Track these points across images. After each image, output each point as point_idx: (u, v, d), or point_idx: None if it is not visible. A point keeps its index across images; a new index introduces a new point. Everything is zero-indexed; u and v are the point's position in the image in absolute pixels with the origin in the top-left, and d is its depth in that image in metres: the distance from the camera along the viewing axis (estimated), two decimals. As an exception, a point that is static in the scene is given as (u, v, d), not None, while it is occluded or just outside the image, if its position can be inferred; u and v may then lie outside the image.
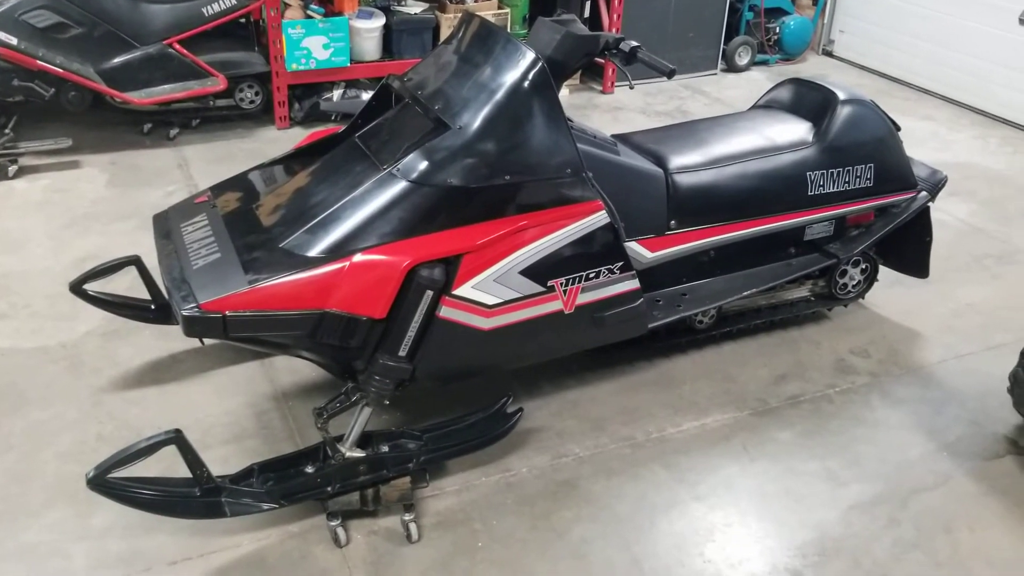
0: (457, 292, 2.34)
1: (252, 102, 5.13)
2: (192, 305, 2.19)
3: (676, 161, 2.89)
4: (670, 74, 2.57)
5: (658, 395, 3.03)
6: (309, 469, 2.42)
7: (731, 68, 6.35)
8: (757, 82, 6.28)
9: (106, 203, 4.28)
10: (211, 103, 5.03)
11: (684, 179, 2.86)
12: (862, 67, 6.70)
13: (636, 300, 2.65)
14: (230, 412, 2.88)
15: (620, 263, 2.57)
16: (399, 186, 2.34)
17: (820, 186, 3.04)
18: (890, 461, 2.80)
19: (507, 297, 2.42)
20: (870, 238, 3.20)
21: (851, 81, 6.40)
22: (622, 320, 2.65)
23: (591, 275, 2.54)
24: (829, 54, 6.92)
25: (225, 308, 2.19)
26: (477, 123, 2.39)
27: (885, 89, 6.29)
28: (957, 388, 3.15)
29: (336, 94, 5.17)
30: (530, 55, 2.45)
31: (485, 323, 2.41)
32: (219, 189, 2.73)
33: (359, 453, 2.43)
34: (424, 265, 2.28)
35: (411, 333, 2.33)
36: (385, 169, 2.38)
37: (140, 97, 4.68)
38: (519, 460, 2.72)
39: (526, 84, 2.44)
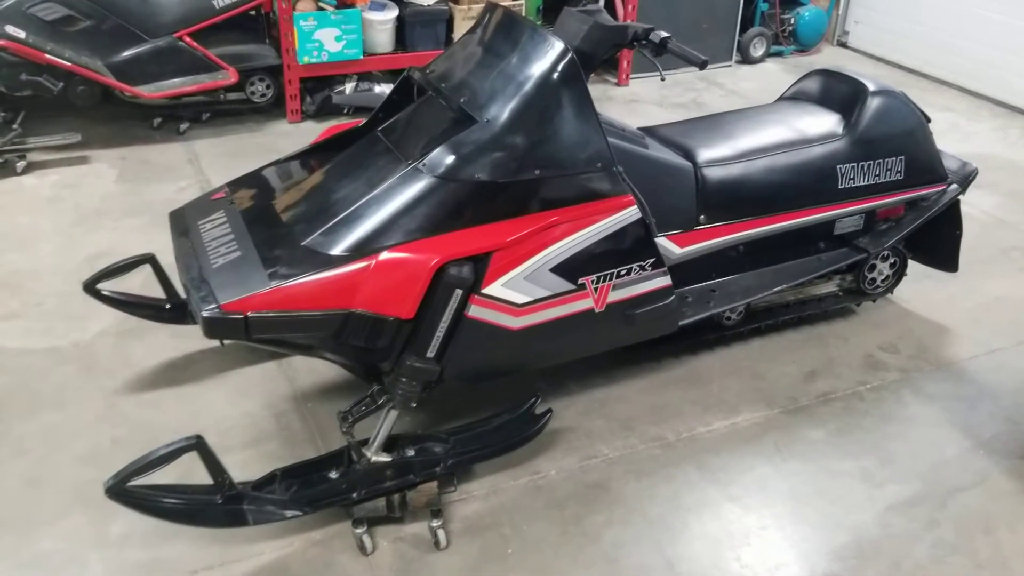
0: (486, 291, 2.27)
1: (263, 96, 5.05)
2: (212, 306, 2.12)
3: (705, 154, 2.82)
4: (702, 65, 2.49)
5: (687, 393, 2.97)
6: (333, 475, 2.36)
7: (746, 60, 6.27)
8: (772, 74, 6.19)
9: (116, 199, 4.21)
10: (222, 97, 4.96)
11: (713, 173, 2.79)
12: (878, 58, 6.62)
13: (668, 298, 2.57)
14: (248, 414, 2.82)
15: (652, 259, 2.50)
16: (425, 181, 2.27)
17: (850, 179, 2.97)
18: (925, 460, 2.73)
19: (537, 295, 2.35)
20: (900, 232, 3.13)
21: (867, 73, 6.31)
22: (653, 318, 2.58)
23: (622, 272, 2.46)
24: (844, 45, 6.84)
25: (247, 309, 2.12)
26: (505, 116, 2.32)
27: (902, 80, 6.20)
28: (990, 384, 3.08)
29: (348, 87, 5.10)
30: (559, 45, 2.38)
31: (515, 322, 2.34)
32: (236, 185, 2.65)
33: (385, 458, 2.37)
34: (453, 263, 2.21)
35: (439, 333, 2.26)
36: (410, 164, 2.31)
37: (150, 91, 4.61)
38: (547, 462, 2.66)
39: (555, 75, 2.36)
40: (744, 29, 6.22)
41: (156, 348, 3.10)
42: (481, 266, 2.26)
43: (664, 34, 2.52)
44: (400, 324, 2.22)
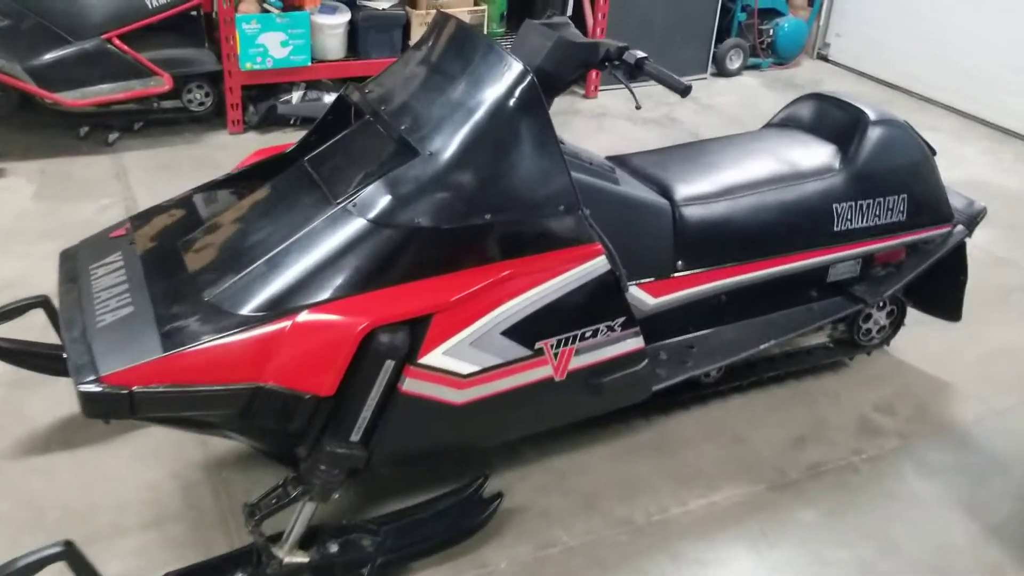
0: (424, 360, 1.89)
1: (202, 104, 4.63)
2: (91, 377, 1.73)
3: (684, 190, 2.46)
4: (684, 92, 2.13)
5: (659, 462, 2.60)
6: None
7: (721, 72, 5.94)
8: (749, 88, 5.86)
9: (31, 218, 3.78)
10: (155, 105, 4.54)
11: (693, 212, 2.43)
12: (859, 72, 6.31)
13: (640, 362, 2.21)
14: (152, 486, 2.41)
15: (622, 318, 2.13)
16: (355, 226, 1.89)
17: (847, 220, 2.62)
18: (931, 546, 2.38)
19: (486, 364, 1.97)
20: (901, 279, 2.79)
21: (848, 88, 6.01)
22: (623, 386, 2.21)
23: (587, 334, 2.10)
24: (824, 58, 6.53)
25: (133, 381, 1.73)
26: (452, 149, 1.95)
27: (885, 97, 5.90)
28: (999, 453, 2.75)
29: (295, 96, 4.69)
30: (517, 66, 2.01)
31: (459, 396, 1.96)
32: (140, 220, 2.25)
33: (301, 558, 1.98)
34: (384, 328, 1.83)
35: (366, 413, 1.88)
36: (338, 204, 1.93)
37: (74, 98, 4.18)
38: (496, 551, 2.27)
39: (512, 101, 1.99)
40: (720, 40, 5.88)
41: (53, 402, 2.68)
42: (419, 330, 1.88)
43: (640, 54, 2.15)
44: (319, 402, 1.83)
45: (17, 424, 2.60)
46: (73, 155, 4.34)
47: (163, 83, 4.34)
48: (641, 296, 2.36)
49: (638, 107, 2.23)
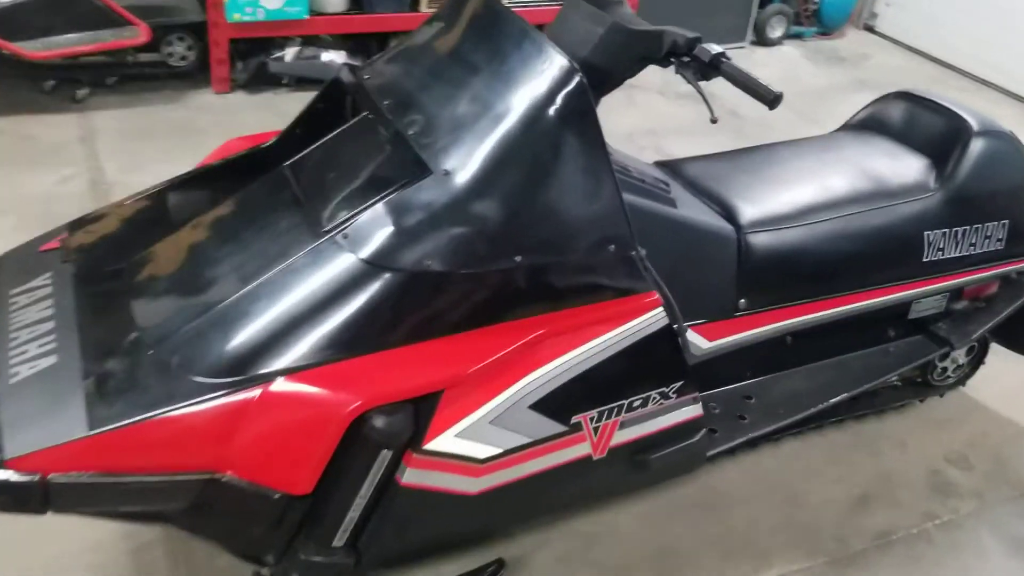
0: (432, 446, 1.47)
1: (183, 59, 4.14)
2: (-7, 459, 1.31)
3: (750, 212, 2.02)
4: (773, 103, 1.67)
5: (701, 526, 2.20)
6: None
7: (761, 41, 5.42)
8: (792, 60, 5.35)
9: (-17, 188, 3.33)
10: (131, 59, 4.03)
11: (762, 241, 1.99)
12: (909, 47, 5.78)
13: (696, 433, 1.79)
14: (98, 546, 1.99)
15: (678, 383, 1.71)
16: (345, 266, 1.46)
17: (939, 249, 2.18)
18: (1021, 648, 2.00)
19: (509, 446, 1.55)
20: (993, 317, 2.36)
21: (896, 64, 5.52)
22: (674, 459, 1.79)
23: (635, 403, 1.67)
24: (871, 30, 5.99)
25: (49, 467, 1.32)
26: (473, 168, 1.51)
27: (936, 76, 5.40)
28: (1093, 520, 2.35)
29: (289, 53, 4.18)
30: (561, 62, 1.56)
31: (475, 485, 1.55)
32: (79, 230, 1.81)
33: (270, 674, 1.58)
34: (381, 409, 1.40)
35: (354, 515, 1.46)
36: (325, 235, 1.50)
37: (35, 49, 3.68)
38: (511, 644, 1.89)
39: (553, 109, 1.55)
40: (763, 5, 5.36)
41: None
42: (425, 408, 1.46)
43: (716, 49, 1.70)
44: (291, 501, 1.41)
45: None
46: (36, 112, 3.87)
47: (139, 34, 3.84)
48: (694, 340, 1.94)
49: (714, 120, 1.77)
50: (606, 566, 2.08)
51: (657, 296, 1.63)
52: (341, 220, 1.51)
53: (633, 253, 1.61)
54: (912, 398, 2.58)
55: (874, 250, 2.11)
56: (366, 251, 1.46)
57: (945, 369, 2.54)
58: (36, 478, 1.31)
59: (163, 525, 1.64)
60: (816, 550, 2.17)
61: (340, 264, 1.47)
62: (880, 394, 2.51)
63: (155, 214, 1.82)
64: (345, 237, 1.48)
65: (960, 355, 2.52)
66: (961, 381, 2.61)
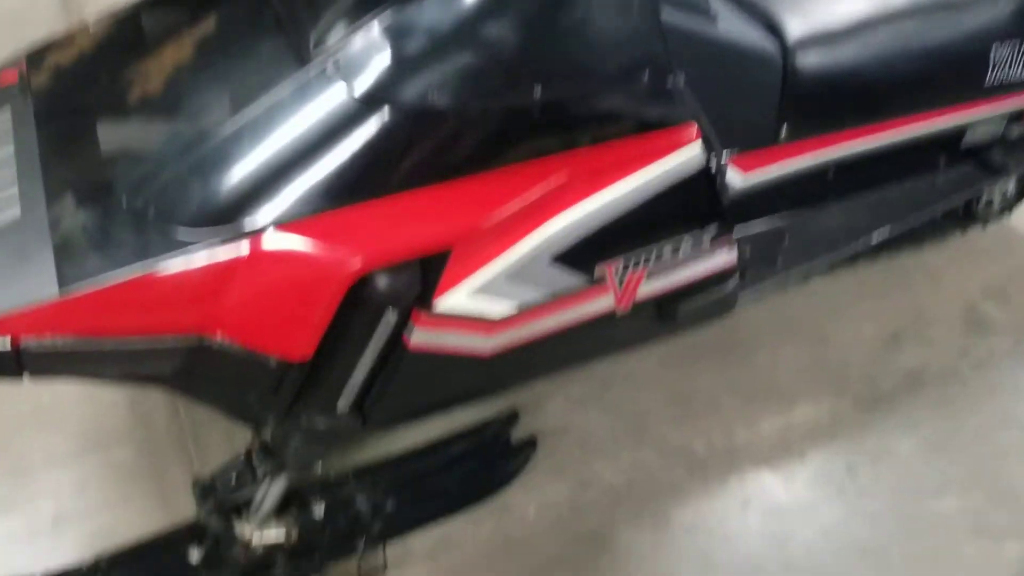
0: (442, 304, 1.32)
1: None
2: (-46, 322, 1.17)
3: (798, 26, 1.76)
4: None
5: (723, 369, 2.09)
6: (194, 556, 1.50)
7: None
8: None
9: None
10: None
11: (811, 59, 1.75)
12: None
13: (728, 281, 1.63)
14: (93, 396, 1.90)
15: (713, 226, 1.54)
16: (336, 100, 1.26)
17: (1006, 66, 1.94)
18: (1055, 491, 1.94)
19: (527, 300, 1.40)
20: (1052, 141, 2.15)
21: None
22: (703, 309, 1.65)
23: (665, 250, 1.50)
24: None
25: (20, 331, 1.18)
26: (485, -22, 1.28)
27: None
28: None
29: None
30: None
31: (488, 343, 1.41)
32: (40, 58, 1.59)
33: (274, 535, 1.51)
34: (384, 269, 1.24)
35: (358, 378, 1.33)
36: (313, 63, 1.28)
37: None
38: (523, 493, 1.82)
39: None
40: None
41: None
42: (434, 263, 1.29)
43: None
44: (289, 366, 1.28)
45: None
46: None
47: None
48: (729, 173, 1.74)
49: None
50: (623, 410, 1.99)
51: (695, 128, 1.43)
52: (330, 45, 1.29)
53: (670, 78, 1.39)
54: (953, 230, 2.41)
55: (936, 67, 1.87)
56: (360, 83, 1.26)
57: (991, 200, 2.35)
58: (7, 342, 1.17)
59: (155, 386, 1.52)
60: (843, 390, 2.07)
61: (332, 98, 1.27)
62: (920, 227, 2.33)
63: (124, 40, 1.59)
64: (336, 66, 1.27)
65: (1009, 184, 2.33)
66: (1007, 210, 2.43)
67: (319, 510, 1.57)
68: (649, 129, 1.40)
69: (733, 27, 1.68)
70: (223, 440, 1.82)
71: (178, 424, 1.86)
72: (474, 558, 1.71)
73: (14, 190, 1.33)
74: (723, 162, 1.55)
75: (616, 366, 2.04)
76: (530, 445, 1.78)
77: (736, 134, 1.70)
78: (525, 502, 1.80)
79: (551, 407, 1.96)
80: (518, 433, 1.85)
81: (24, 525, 1.71)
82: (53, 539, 1.69)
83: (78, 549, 1.65)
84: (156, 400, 1.89)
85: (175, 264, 1.20)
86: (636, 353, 2.04)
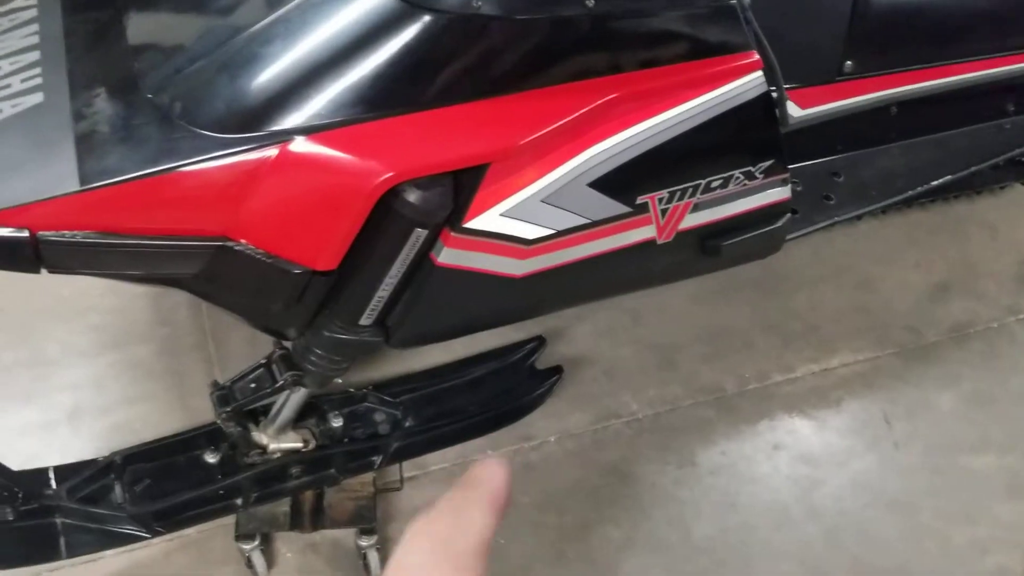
0: (473, 224, 1.26)
1: None
2: (-28, 210, 1.13)
3: (872, -48, 1.65)
4: None
5: (761, 309, 2.03)
6: (210, 458, 1.49)
7: None
8: None
9: None
10: None
11: (884, -10, 1.64)
12: None
13: (779, 219, 1.55)
14: (116, 288, 1.88)
15: (769, 161, 1.45)
16: (375, 4, 1.18)
17: (1092, 11, 1.81)
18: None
19: (562, 227, 1.33)
20: None
21: None
22: (749, 245, 1.57)
23: (715, 183, 1.42)
24: None
25: (39, 224, 1.14)
26: None
27: None
28: None
29: None
30: None
31: (518, 267, 1.34)
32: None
33: (292, 443, 1.49)
34: (416, 182, 1.18)
35: (383, 294, 1.28)
36: (354, -40, 1.20)
37: None
38: (545, 420, 1.78)
39: None
40: None
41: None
42: (467, 181, 1.23)
43: None
44: (313, 276, 1.23)
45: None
46: None
47: None
48: (787, 106, 1.65)
49: None
50: (653, 343, 1.94)
51: (757, 57, 1.34)
52: (374, -60, 1.21)
53: (735, 2, 1.29)
54: (1014, 180, 2.30)
55: (1015, 6, 1.75)
56: (399, -15, 1.17)
57: (1059, 149, 2.23)
58: (25, 234, 1.13)
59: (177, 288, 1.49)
60: (885, 340, 2.00)
61: (369, 2, 1.19)
62: (979, 174, 2.22)
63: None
64: (379, -37, 1.19)
65: (1080, 133, 2.20)
66: (1073, 162, 2.31)
67: (337, 423, 1.54)
68: (708, 55, 1.31)
69: (805, -54, 1.56)
70: (244, 344, 1.80)
71: (200, 325, 1.84)
72: (491, 482, 1.68)
73: (37, 74, 1.28)
74: (784, 94, 1.45)
75: (647, 298, 1.98)
76: (556, 372, 1.73)
77: (797, 66, 1.60)
78: (546, 429, 1.77)
79: (578, 336, 1.91)
80: (544, 360, 1.80)
81: (41, 417, 1.71)
82: (69, 432, 1.69)
83: (94, 443, 1.65)
84: (179, 297, 1.87)
85: (201, 165, 1.15)
86: (668, 286, 1.98)
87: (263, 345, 1.64)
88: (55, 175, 1.15)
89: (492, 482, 0.47)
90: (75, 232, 1.16)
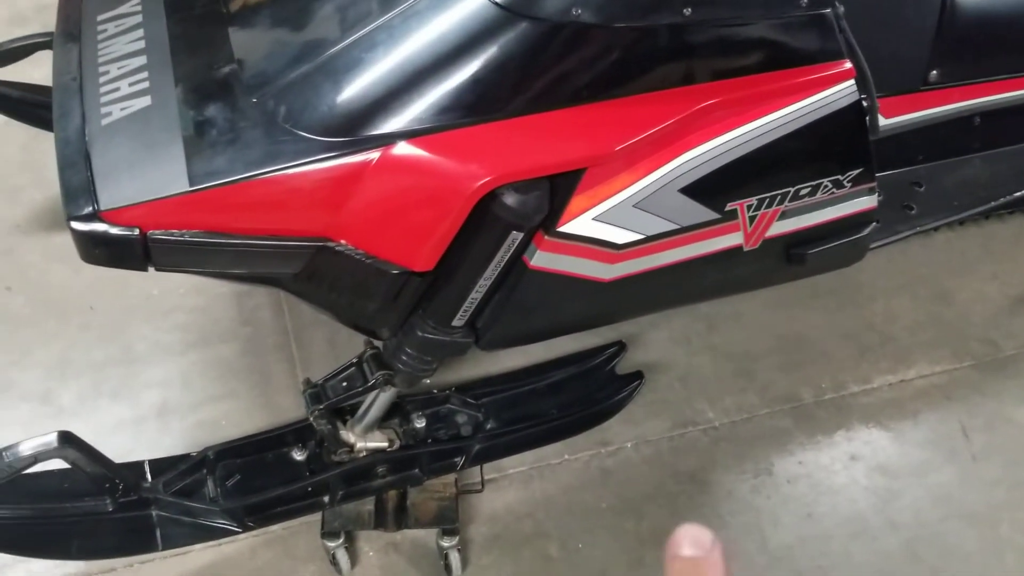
0: (567, 228, 1.28)
1: None
2: (87, 210, 1.17)
3: (959, -39, 1.64)
4: None
5: (836, 318, 2.02)
6: (298, 456, 1.52)
7: None
8: None
9: None
10: None
11: (971, 0, 1.63)
12: None
13: (864, 228, 1.55)
14: (201, 288, 1.93)
15: (857, 170, 1.45)
16: (476, 11, 1.21)
17: None
18: None
19: (652, 232, 1.34)
20: None
21: None
22: (833, 253, 1.57)
23: (803, 191, 1.43)
24: None
25: (148, 222, 1.18)
26: None
27: None
28: None
29: None
30: None
31: (608, 272, 1.36)
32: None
33: (378, 442, 1.52)
34: (514, 185, 1.20)
35: (476, 295, 1.31)
36: (457, -30, 1.23)
37: None
38: (622, 425, 1.79)
39: None
40: None
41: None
42: (563, 185, 1.25)
43: None
44: (410, 276, 1.26)
45: (38, 188, 2.10)
46: None
47: None
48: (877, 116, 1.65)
49: None
50: (728, 351, 1.94)
51: (850, 65, 1.34)
52: (475, -49, 1.23)
53: (829, 11, 1.30)
54: (1095, 190, 2.26)
55: (1104, 16, 1.73)
56: (501, -7, 1.20)
57: None
58: (135, 233, 1.17)
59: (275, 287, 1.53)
60: (962, 352, 1.98)
61: (470, 8, 1.21)
62: (1059, 186, 2.19)
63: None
64: (478, -27, 1.21)
65: None
66: None
67: (420, 424, 1.57)
68: (801, 63, 1.32)
69: (894, -43, 1.57)
70: (326, 344, 1.84)
71: (282, 325, 1.88)
72: (568, 487, 1.70)
73: (145, 78, 1.32)
74: (876, 103, 1.45)
75: (721, 306, 1.99)
76: (637, 377, 1.74)
77: (882, 75, 1.60)
78: (623, 435, 1.78)
79: (653, 342, 1.92)
80: (620, 365, 1.81)
81: (131, 413, 1.75)
82: (158, 428, 1.73)
83: (182, 439, 1.70)
84: (262, 298, 1.91)
85: (305, 167, 1.18)
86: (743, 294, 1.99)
87: (344, 345, 1.68)
88: (165, 176, 1.19)
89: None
90: (183, 231, 1.20)
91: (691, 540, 0.42)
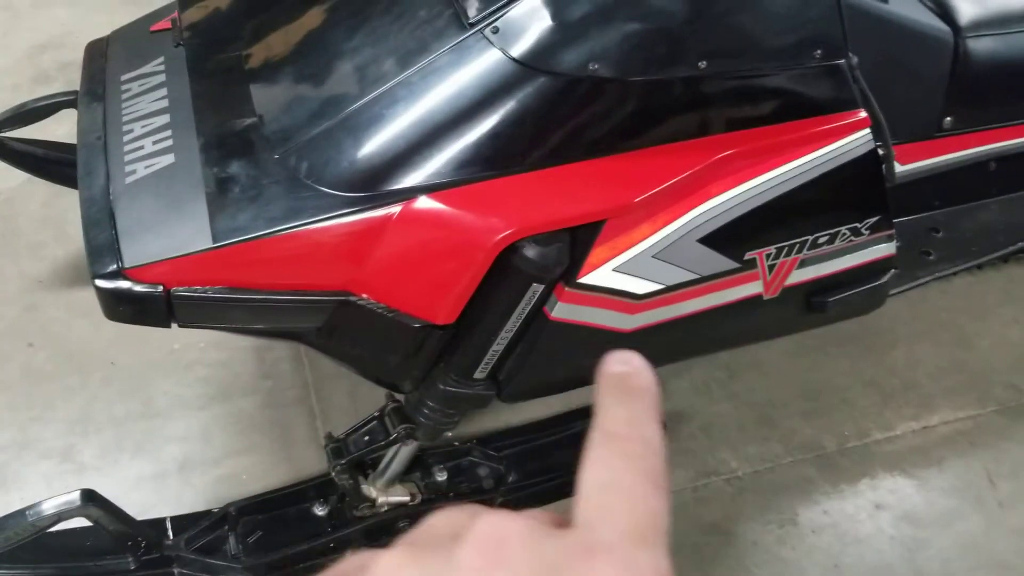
0: (587, 280, 1.28)
1: None
2: (112, 268, 1.19)
3: (970, 11, 1.66)
4: None
5: (858, 364, 2.00)
6: (319, 511, 1.52)
7: None
8: None
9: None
10: None
11: (984, 47, 1.64)
12: None
13: (883, 275, 1.55)
14: (222, 342, 1.94)
15: (875, 218, 1.45)
16: (494, 67, 1.23)
17: None
18: None
19: (672, 282, 1.35)
20: None
21: None
22: (853, 302, 1.57)
23: (821, 240, 1.43)
24: None
25: (172, 279, 1.19)
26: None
27: None
28: None
29: None
30: None
31: (628, 322, 1.37)
32: (191, 6, 1.60)
33: (399, 496, 1.51)
34: (534, 238, 1.21)
35: (498, 348, 1.31)
36: (472, 28, 1.25)
37: None
38: (645, 476, 1.77)
39: None
40: None
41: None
42: (583, 237, 1.25)
43: None
44: (432, 330, 1.26)
45: (60, 244, 2.13)
46: None
47: None
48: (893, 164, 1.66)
49: None
50: (750, 399, 1.93)
51: (865, 115, 1.35)
52: (491, 10, 1.26)
53: (843, 62, 1.32)
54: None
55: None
56: (519, 49, 1.22)
57: None
58: (159, 290, 1.19)
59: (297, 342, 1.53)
60: (986, 397, 1.97)
61: (488, 64, 1.23)
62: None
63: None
64: (495, 31, 1.23)
65: None
66: None
67: (441, 477, 1.56)
68: (817, 113, 1.33)
69: (905, 9, 1.58)
70: (346, 397, 1.84)
71: (302, 378, 1.88)
72: (591, 538, 1.68)
73: (168, 136, 1.35)
74: (891, 152, 1.46)
75: (741, 354, 1.98)
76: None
77: (897, 123, 1.61)
78: (645, 486, 1.76)
79: (674, 391, 1.91)
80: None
81: (152, 468, 1.75)
82: (179, 483, 1.73)
83: (204, 494, 1.69)
84: (282, 352, 1.92)
85: (327, 223, 1.20)
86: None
87: (365, 399, 1.68)
88: (188, 233, 1.20)
89: (652, 390, 0.42)
90: (207, 287, 1.21)
91: (620, 360, 0.43)
